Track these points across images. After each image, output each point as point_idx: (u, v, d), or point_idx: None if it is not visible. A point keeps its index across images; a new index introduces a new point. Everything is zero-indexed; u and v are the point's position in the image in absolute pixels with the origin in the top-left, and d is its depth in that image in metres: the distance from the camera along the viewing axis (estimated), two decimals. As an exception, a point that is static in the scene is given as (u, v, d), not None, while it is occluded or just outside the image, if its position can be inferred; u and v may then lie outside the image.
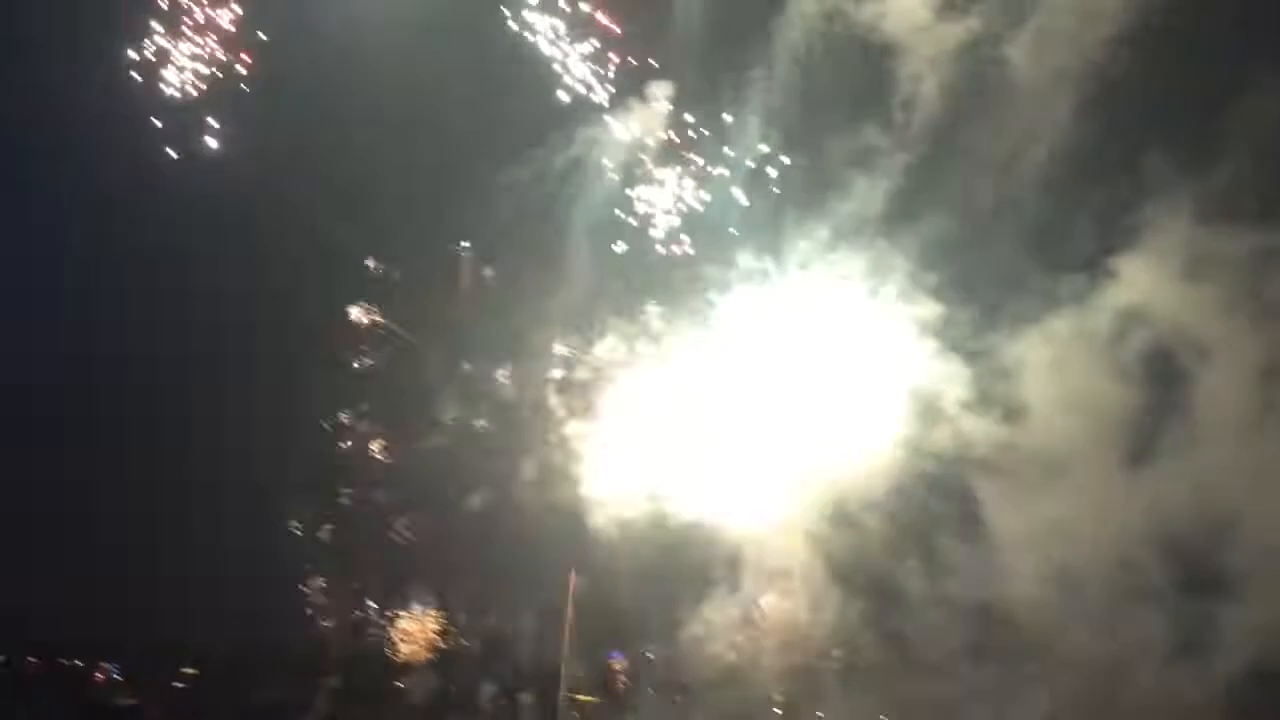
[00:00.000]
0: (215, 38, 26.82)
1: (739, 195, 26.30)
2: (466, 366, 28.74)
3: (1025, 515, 22.87)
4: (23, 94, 26.23)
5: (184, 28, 26.73)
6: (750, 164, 25.95)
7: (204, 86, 26.84)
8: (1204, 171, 21.26)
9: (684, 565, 26.33)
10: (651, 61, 25.80)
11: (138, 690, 29.05)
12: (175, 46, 26.72)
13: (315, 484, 28.95)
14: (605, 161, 26.02)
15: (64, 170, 26.93)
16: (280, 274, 26.69)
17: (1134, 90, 21.77)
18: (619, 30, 25.88)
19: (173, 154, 26.44)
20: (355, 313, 29.02)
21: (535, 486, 26.62)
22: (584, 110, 25.92)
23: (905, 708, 24.70)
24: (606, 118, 26.02)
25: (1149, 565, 21.97)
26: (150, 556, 26.98)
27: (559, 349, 27.97)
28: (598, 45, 25.93)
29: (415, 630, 28.86)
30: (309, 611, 28.75)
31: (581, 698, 27.61)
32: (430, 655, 28.75)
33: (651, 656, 27.85)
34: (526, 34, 25.95)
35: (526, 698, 27.93)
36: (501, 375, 28.51)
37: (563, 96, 25.99)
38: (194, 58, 26.76)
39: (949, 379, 23.85)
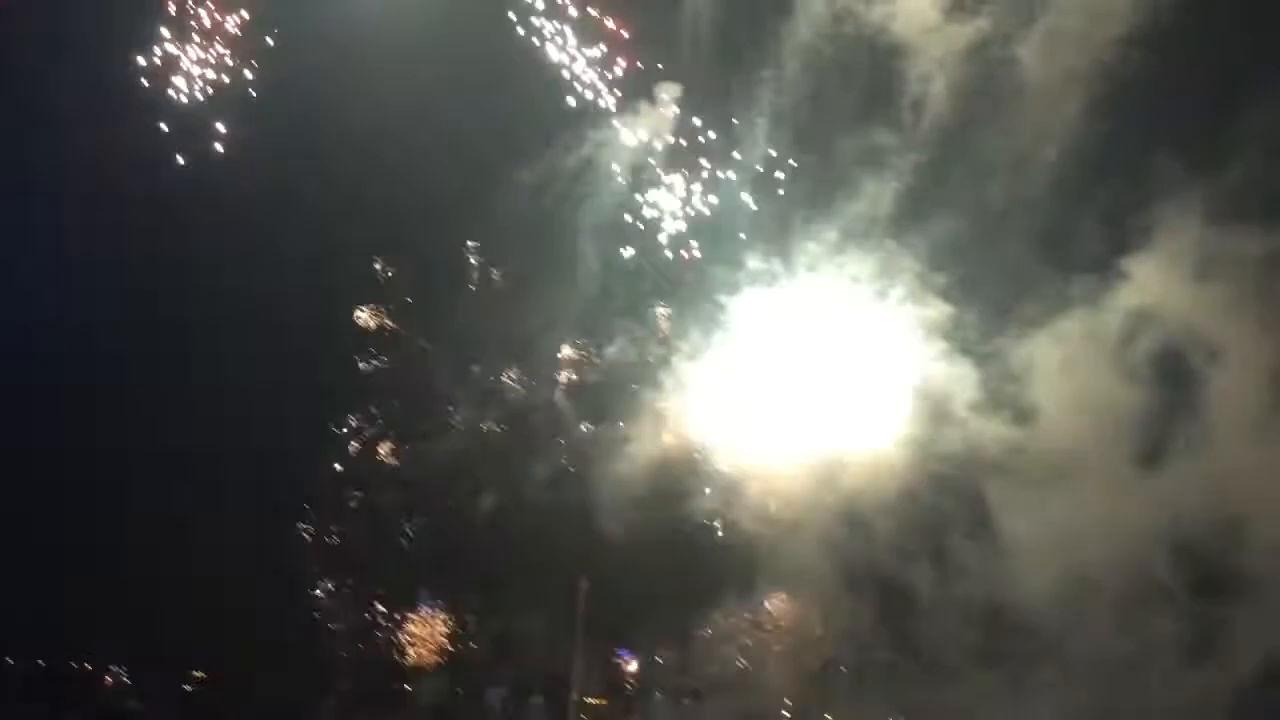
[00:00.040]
0: (223, 43, 26.90)
1: (747, 200, 26.33)
2: (475, 369, 28.78)
3: (1036, 517, 22.78)
4: (31, 102, 26.28)
5: (192, 33, 26.84)
6: (759, 168, 25.99)
7: (211, 92, 26.94)
8: (1215, 172, 21.19)
9: (694, 568, 26.36)
10: (659, 65, 25.83)
11: (144, 694, 29.12)
12: (183, 52, 26.82)
13: (324, 487, 28.98)
14: (615, 166, 26.04)
15: (72, 176, 26.91)
16: (290, 277, 26.70)
17: (1144, 90, 21.72)
18: (626, 34, 25.91)
19: (180, 160, 26.56)
20: (364, 315, 29.09)
21: (545, 488, 26.69)
22: (591, 115, 25.98)
23: (916, 711, 24.66)
24: (615, 122, 26.06)
25: (1161, 567, 21.89)
26: (157, 559, 26.96)
27: (567, 351, 28.05)
28: (605, 50, 25.98)
29: (424, 633, 28.85)
30: (317, 615, 28.77)
31: (591, 700, 27.61)
32: (439, 659, 28.74)
33: (661, 660, 27.86)
34: (534, 39, 26.02)
35: (536, 700, 27.94)
36: (510, 377, 28.55)
37: (570, 101, 26.08)
38: (201, 63, 26.85)
39: (959, 380, 23.81)
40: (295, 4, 26.93)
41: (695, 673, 26.76)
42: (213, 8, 26.83)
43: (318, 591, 28.75)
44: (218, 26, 26.92)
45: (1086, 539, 22.26)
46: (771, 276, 25.18)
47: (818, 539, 24.35)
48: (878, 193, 24.06)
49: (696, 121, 26.24)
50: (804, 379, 24.91)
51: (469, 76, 25.69)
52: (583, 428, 27.73)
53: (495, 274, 29.07)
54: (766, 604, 26.87)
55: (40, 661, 29.20)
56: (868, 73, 23.75)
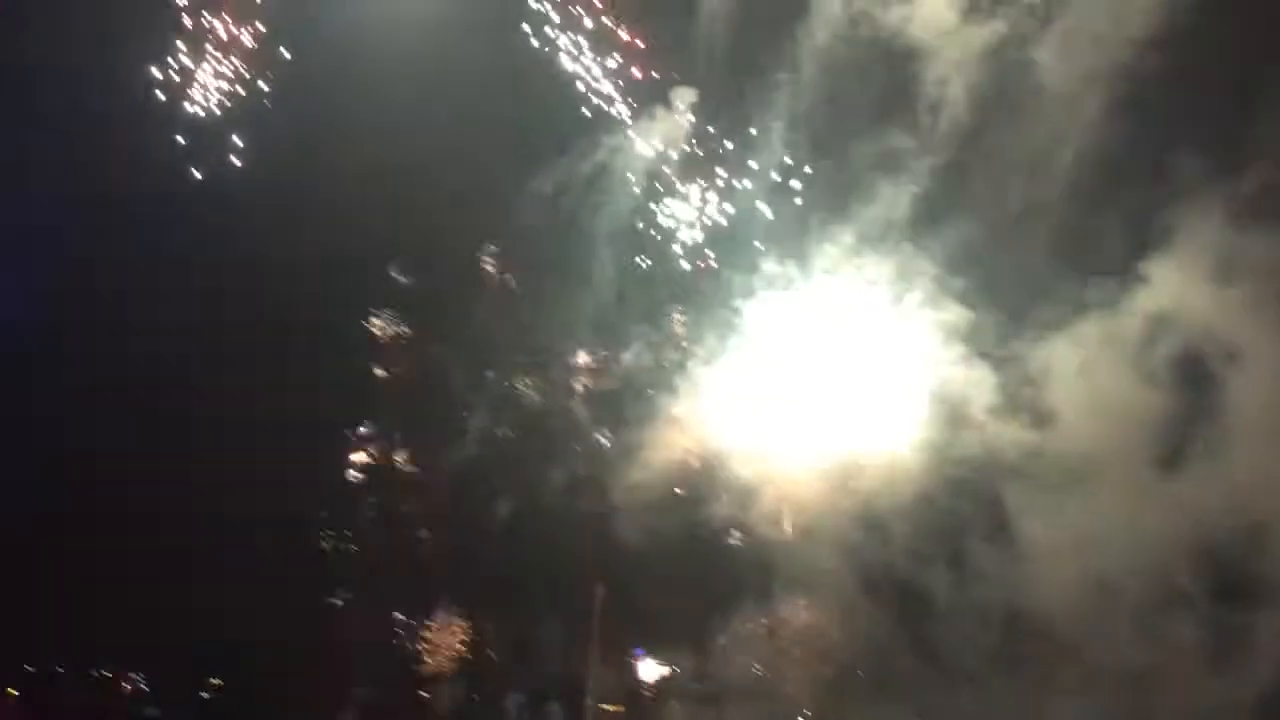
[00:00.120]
0: (238, 55, 27.03)
1: (764, 209, 26.31)
2: (491, 375, 28.83)
3: (1054, 522, 22.68)
4: (47, 115, 26.46)
5: (207, 46, 26.97)
6: (775, 176, 25.98)
7: (228, 104, 27.06)
8: (1235, 174, 21.11)
9: (710, 574, 26.31)
10: (675, 74, 25.85)
11: (163, 701, 29.21)
12: (198, 65, 26.96)
13: (342, 494, 29.05)
14: (630, 175, 26.08)
15: (87, 189, 27.06)
16: (307, 286, 26.80)
17: (1163, 92, 21.64)
18: (641, 44, 25.95)
19: (196, 173, 26.70)
20: (380, 323, 29.17)
21: (562, 495, 26.68)
22: (607, 123, 25.99)
23: (934, 717, 24.55)
24: (630, 131, 26.09)
25: (1181, 572, 21.77)
26: (175, 567, 27.06)
27: (583, 357, 28.06)
28: (620, 60, 26.01)
29: (441, 641, 28.86)
30: (335, 623, 28.81)
31: (609, 707, 27.56)
32: (456, 666, 28.73)
33: (678, 667, 27.79)
34: (549, 49, 26.08)
35: (553, 707, 27.91)
36: (526, 384, 28.58)
37: (586, 112, 26.12)
38: (217, 75, 26.98)
39: (976, 384, 23.73)
40: (309, 16, 27.09)
41: (712, 679, 26.68)
42: (228, 20, 27.00)
43: (335, 599, 28.79)
44: (233, 39, 27.09)
45: (1105, 544, 22.18)
46: (788, 281, 25.19)
47: (835, 544, 24.31)
48: (895, 196, 24.06)
49: (711, 130, 26.27)
50: (820, 383, 24.88)
51: (484, 86, 25.79)
52: (599, 434, 27.73)
53: (512, 281, 29.13)
54: (783, 610, 26.77)
55: (60, 669, 29.30)
56: (884, 76, 23.77)
